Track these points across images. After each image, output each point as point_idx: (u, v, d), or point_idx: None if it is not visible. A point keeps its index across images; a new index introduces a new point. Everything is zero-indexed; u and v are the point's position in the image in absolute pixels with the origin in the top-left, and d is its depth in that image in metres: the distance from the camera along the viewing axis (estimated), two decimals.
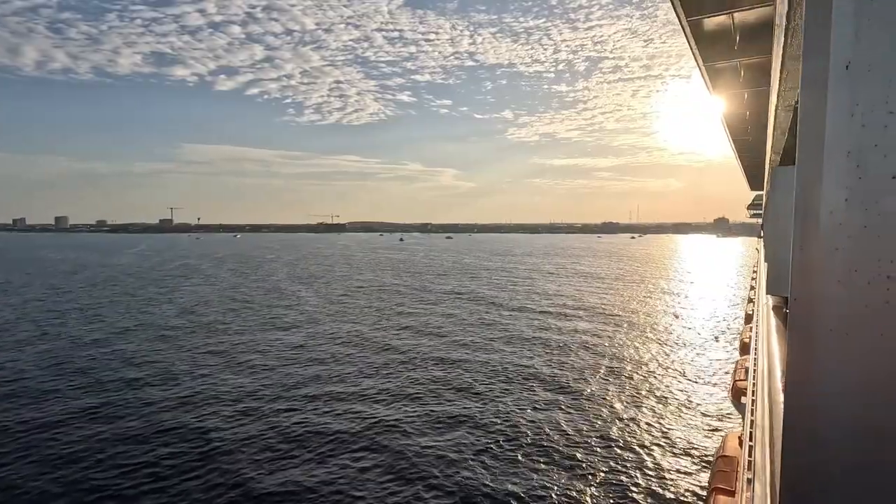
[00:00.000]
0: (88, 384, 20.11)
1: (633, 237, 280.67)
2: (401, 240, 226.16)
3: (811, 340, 1.57)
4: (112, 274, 67.19)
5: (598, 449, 14.70)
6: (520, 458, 14.10)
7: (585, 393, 19.58)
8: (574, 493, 12.34)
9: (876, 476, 1.47)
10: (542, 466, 13.63)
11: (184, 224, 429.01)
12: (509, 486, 12.58)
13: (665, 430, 16.17)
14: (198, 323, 33.35)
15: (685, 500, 12.18)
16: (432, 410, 17.57)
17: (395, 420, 16.62)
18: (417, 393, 19.43)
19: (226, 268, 78.36)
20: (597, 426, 16.33)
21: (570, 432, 15.79)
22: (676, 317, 37.41)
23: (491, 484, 12.68)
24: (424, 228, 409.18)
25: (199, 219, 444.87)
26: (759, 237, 29.63)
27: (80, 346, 26.60)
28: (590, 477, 13.14)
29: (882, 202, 1.46)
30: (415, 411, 17.47)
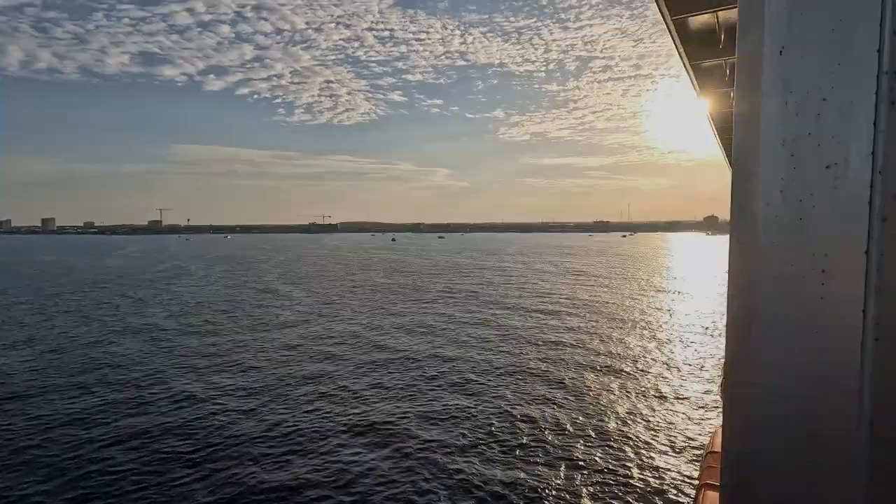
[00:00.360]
0: (79, 387, 19.87)
1: (624, 236, 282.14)
2: (393, 240, 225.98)
3: (747, 337, 1.51)
4: (101, 276, 66.49)
5: (589, 444, 14.77)
6: (512, 454, 14.13)
7: (576, 389, 19.65)
8: (565, 489, 12.39)
9: (809, 476, 1.41)
10: (534, 462, 13.66)
11: (173, 225, 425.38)
12: (501, 484, 12.61)
13: (656, 425, 16.28)
14: (190, 324, 33.07)
15: (676, 496, 12.27)
16: (427, 409, 17.56)
17: (390, 419, 16.60)
18: (411, 392, 19.41)
19: (217, 269, 77.80)
20: (588, 422, 16.41)
21: (562, 428, 15.86)
22: (667, 312, 37.67)
23: (484, 482, 12.70)
24: (416, 228, 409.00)
25: (188, 220, 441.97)
26: None
27: (71, 349, 26.27)
28: (581, 472, 13.20)
29: (816, 194, 1.38)
30: (409, 410, 17.46)
